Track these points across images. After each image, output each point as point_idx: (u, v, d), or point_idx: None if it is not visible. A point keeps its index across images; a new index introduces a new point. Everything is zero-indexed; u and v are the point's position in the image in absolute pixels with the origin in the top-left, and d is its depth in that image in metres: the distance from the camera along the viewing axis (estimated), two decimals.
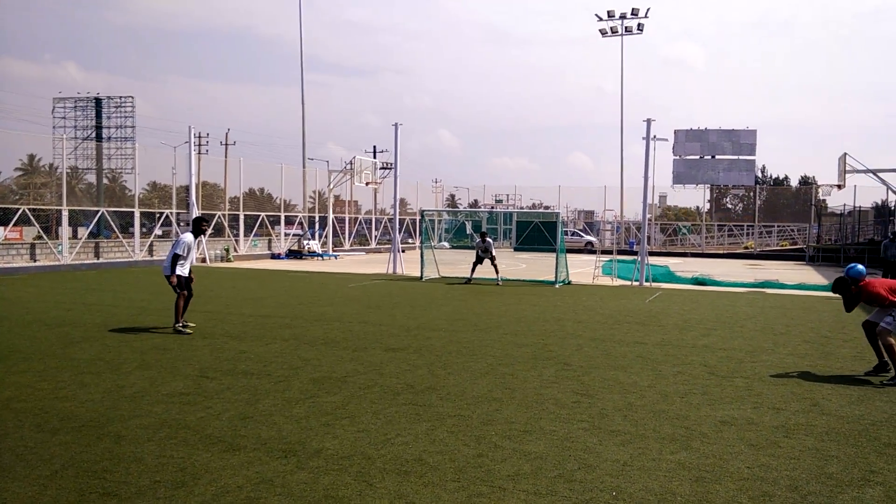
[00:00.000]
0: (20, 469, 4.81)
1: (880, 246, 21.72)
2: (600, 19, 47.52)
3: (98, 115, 50.81)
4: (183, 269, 10.58)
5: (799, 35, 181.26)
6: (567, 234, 42.33)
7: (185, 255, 10.59)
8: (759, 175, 71.68)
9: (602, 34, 48.14)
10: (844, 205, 39.49)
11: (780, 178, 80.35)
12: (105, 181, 51.49)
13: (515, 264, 29.14)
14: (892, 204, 33.01)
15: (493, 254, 20.18)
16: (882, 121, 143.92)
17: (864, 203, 38.54)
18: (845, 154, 27.19)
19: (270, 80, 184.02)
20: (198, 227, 10.97)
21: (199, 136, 54.85)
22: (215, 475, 4.75)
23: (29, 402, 6.51)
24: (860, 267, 8.41)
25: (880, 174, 26.60)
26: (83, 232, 30.65)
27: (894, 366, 7.96)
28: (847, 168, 27.12)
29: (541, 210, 55.13)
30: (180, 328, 10.40)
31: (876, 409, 6.72)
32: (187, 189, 27.65)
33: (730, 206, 74.71)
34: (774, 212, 49.76)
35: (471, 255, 21.98)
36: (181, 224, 30.28)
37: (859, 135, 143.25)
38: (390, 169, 37.54)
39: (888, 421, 6.33)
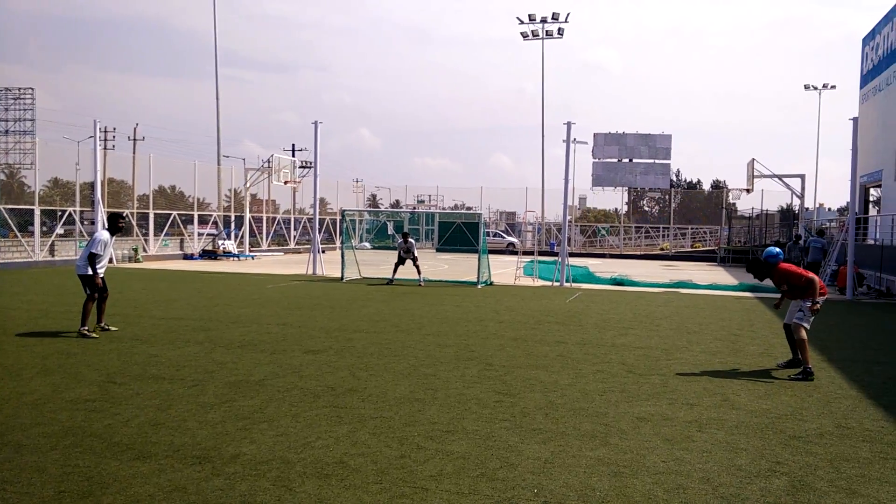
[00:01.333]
0: None
1: (784, 248, 22.88)
2: (522, 22, 48.28)
3: None
4: (100, 270, 10.14)
5: (711, 44, 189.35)
6: (489, 235, 42.77)
7: (101, 253, 10.13)
8: (674, 178, 74.48)
9: (524, 37, 48.92)
10: (753, 208, 41.43)
11: (694, 181, 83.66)
12: (2, 177, 48.70)
13: (438, 265, 29.20)
14: (796, 208, 34.82)
15: (416, 254, 20.14)
16: (787, 128, 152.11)
17: (770, 207, 40.52)
18: (753, 159, 28.52)
19: (184, 73, 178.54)
20: (114, 225, 10.45)
21: (105, 131, 52.61)
22: (124, 484, 4.51)
23: None
24: (777, 249, 8.84)
25: (785, 179, 28.02)
26: None
27: (804, 361, 8.24)
28: (755, 173, 28.45)
29: (463, 211, 55.48)
30: (86, 332, 9.91)
31: (782, 404, 7.03)
32: (92, 186, 26.40)
33: (647, 208, 77.24)
34: (688, 214, 51.74)
35: (393, 256, 21.88)
36: (85, 222, 28.92)
37: (767, 141, 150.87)
38: (310, 168, 37.01)
39: (793, 414, 6.63)
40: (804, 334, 8.37)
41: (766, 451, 5.52)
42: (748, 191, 29.71)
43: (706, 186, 77.34)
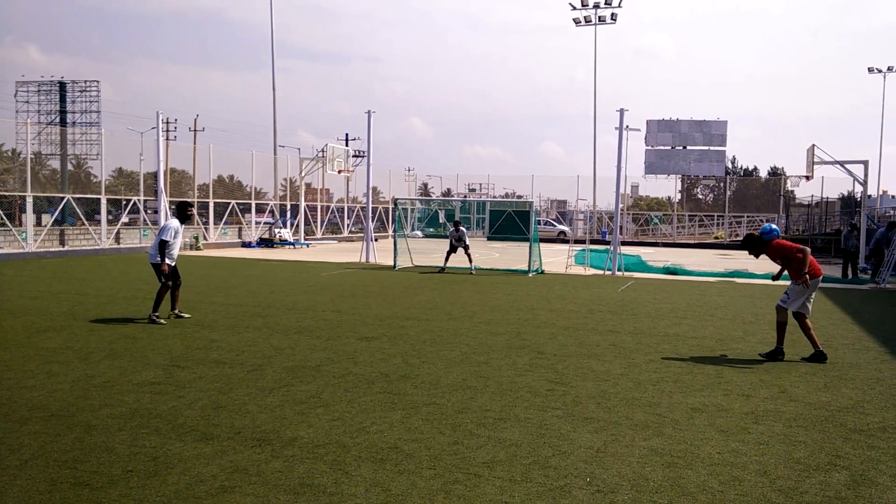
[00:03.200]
0: None
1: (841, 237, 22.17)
2: (574, 8, 47.62)
3: (62, 100, 49.75)
4: (170, 257, 10.42)
5: (770, 26, 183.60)
6: (540, 224, 42.52)
7: (171, 241, 10.41)
8: (730, 166, 72.64)
9: (576, 23, 48.26)
10: (812, 195, 40.22)
11: (750, 169, 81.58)
12: (70, 167, 50.49)
13: (489, 253, 29.21)
14: (858, 195, 33.66)
15: (467, 243, 20.20)
16: (850, 112, 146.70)
17: (831, 194, 39.30)
18: (813, 146, 27.58)
19: (239, 64, 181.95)
20: (183, 213, 10.67)
21: (167, 122, 54.08)
22: (188, 464, 4.70)
23: None
24: (772, 226, 8.98)
25: (847, 165, 27.04)
26: (48, 219, 30.05)
27: (779, 341, 8.56)
28: (815, 159, 27.54)
29: (514, 199, 55.28)
30: (155, 317, 10.21)
31: (842, 396, 6.87)
32: (155, 176, 27.21)
33: (700, 196, 75.67)
34: (744, 202, 50.51)
35: (444, 244, 21.98)
36: (148, 211, 29.82)
37: (828, 126, 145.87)
38: (363, 157, 37.33)
39: (854, 407, 6.47)
40: (783, 318, 8.62)
41: (825, 444, 5.41)
42: (808, 178, 28.74)
43: (763, 174, 75.32)
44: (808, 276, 8.40)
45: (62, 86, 49.82)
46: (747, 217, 47.47)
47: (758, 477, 4.70)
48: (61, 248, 25.03)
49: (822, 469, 4.88)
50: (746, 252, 9.11)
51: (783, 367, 8.10)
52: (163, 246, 10.30)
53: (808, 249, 8.52)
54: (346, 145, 53.41)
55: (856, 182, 28.38)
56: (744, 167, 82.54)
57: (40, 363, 7.56)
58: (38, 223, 31.88)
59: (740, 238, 42.61)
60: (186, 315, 10.80)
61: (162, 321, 10.22)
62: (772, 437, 5.54)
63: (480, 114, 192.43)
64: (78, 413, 5.79)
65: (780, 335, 8.63)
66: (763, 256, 8.99)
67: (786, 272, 8.91)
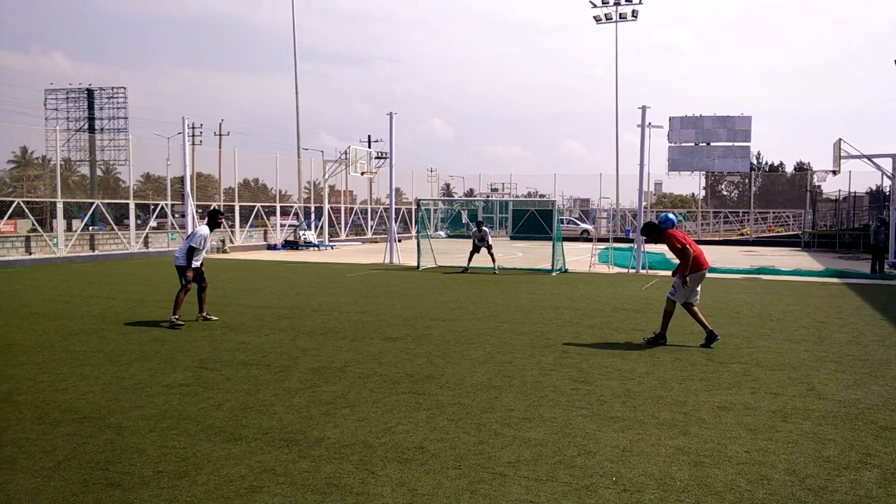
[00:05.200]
0: (23, 461, 4.83)
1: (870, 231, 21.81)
2: (594, 6, 47.38)
3: (90, 107, 50.58)
4: (196, 262, 10.61)
5: (794, 20, 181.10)
6: (563, 223, 42.36)
7: (200, 247, 10.60)
8: (755, 161, 71.81)
9: (596, 21, 48.03)
10: (839, 190, 39.59)
11: (776, 164, 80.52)
12: (99, 173, 51.25)
13: (512, 253, 29.16)
14: (887, 189, 33.09)
15: (490, 242, 20.19)
16: (877, 106, 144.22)
17: (859, 189, 38.62)
18: (840, 140, 27.21)
19: (262, 69, 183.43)
20: (213, 221, 10.85)
21: (193, 127, 54.71)
22: (217, 465, 4.77)
23: (29, 395, 6.51)
24: (669, 215, 9.57)
25: (875, 159, 26.61)
26: (78, 224, 30.55)
27: (663, 327, 9.19)
28: (842, 154, 27.16)
29: (536, 198, 55.11)
30: (175, 320, 10.30)
31: (872, 393, 6.77)
32: (182, 180, 27.55)
33: (725, 192, 74.85)
34: (770, 198, 49.84)
35: (467, 244, 22.00)
36: (176, 215, 30.21)
37: (855, 120, 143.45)
38: (385, 158, 37.48)
39: (884, 405, 6.38)
40: (671, 309, 9.18)
41: (855, 442, 5.35)
42: (835, 172, 28.35)
43: (789, 169, 74.29)
44: (686, 278, 8.96)
45: (90, 93, 50.66)
46: (773, 213, 46.87)
47: (787, 476, 4.66)
48: (91, 253, 25.46)
49: (852, 467, 4.82)
50: (644, 238, 9.83)
51: (811, 365, 8.01)
52: (191, 252, 10.46)
53: (691, 252, 8.94)
54: (369, 147, 53.61)
55: (884, 176, 27.90)
56: (769, 163, 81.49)
57: (72, 366, 7.71)
58: (69, 228, 32.44)
59: (766, 235, 42.16)
60: (214, 318, 10.93)
61: (181, 323, 10.30)
62: (800, 436, 5.48)
63: (500, 113, 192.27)
64: (109, 415, 5.90)
65: (665, 323, 9.22)
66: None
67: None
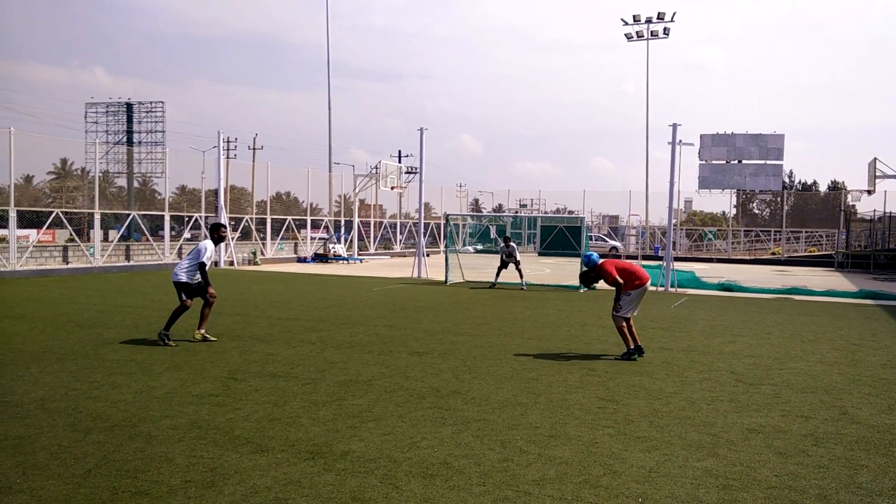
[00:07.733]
0: (54, 467, 4.93)
1: None
2: (626, 24, 47.33)
3: (129, 120, 51.68)
4: (196, 278, 10.10)
5: (827, 38, 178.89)
6: (591, 239, 42.13)
7: (207, 263, 10.15)
8: (787, 180, 70.77)
9: (627, 38, 47.94)
10: (874, 210, 38.78)
11: (808, 183, 79.32)
12: (135, 185, 52.27)
13: (540, 269, 29.06)
14: None
15: (518, 258, 20.16)
16: None
17: (895, 209, 37.83)
18: (875, 159, 26.80)
19: (295, 85, 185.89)
20: (217, 235, 10.34)
21: (228, 141, 55.49)
22: (244, 475, 4.82)
23: (62, 402, 6.65)
24: (595, 255, 9.98)
25: None
26: (114, 235, 31.15)
27: (625, 343, 9.35)
28: (877, 173, 26.73)
29: (565, 215, 54.91)
30: (165, 335, 9.78)
31: None
32: (216, 193, 27.99)
33: (756, 211, 73.89)
34: (802, 217, 49.09)
35: (495, 260, 21.98)
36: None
37: (890, 139, 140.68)
38: (415, 173, 37.69)
39: None
40: (621, 323, 9.38)
41: (889, 468, 5.23)
42: (869, 192, 27.92)
43: (822, 188, 73.10)
44: (619, 303, 9.41)
45: (129, 107, 51.79)
46: (805, 232, 46.12)
47: (817, 501, 4.57)
48: (127, 263, 25.93)
49: (885, 494, 4.72)
50: (584, 287, 10.42)
51: (844, 388, 7.85)
52: (203, 268, 10.01)
53: (622, 283, 9.40)
54: (399, 162, 53.93)
55: None
56: (802, 181, 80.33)
57: (105, 374, 7.85)
58: (105, 239, 33.09)
59: (798, 254, 41.46)
60: (213, 338, 10.18)
61: (171, 343, 9.68)
62: (832, 461, 5.38)
63: (530, 129, 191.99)
64: (139, 423, 6.00)
65: (627, 338, 9.35)
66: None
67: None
